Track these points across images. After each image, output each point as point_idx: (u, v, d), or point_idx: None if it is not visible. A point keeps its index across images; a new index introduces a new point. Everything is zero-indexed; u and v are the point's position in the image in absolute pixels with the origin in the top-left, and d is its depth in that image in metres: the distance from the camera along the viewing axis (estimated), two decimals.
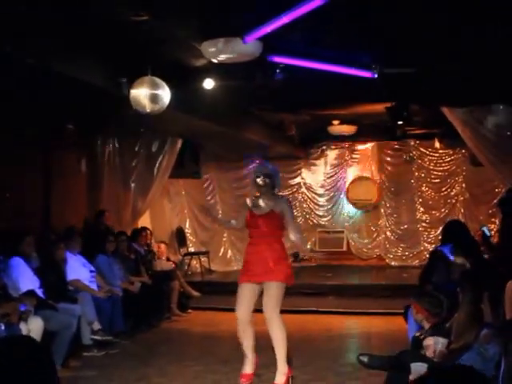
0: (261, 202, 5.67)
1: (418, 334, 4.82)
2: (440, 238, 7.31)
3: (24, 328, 5.49)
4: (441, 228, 12.99)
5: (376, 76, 7.02)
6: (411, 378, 3.63)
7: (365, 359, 4.98)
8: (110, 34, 5.77)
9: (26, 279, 6.25)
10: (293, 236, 5.70)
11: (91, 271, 7.60)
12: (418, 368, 3.62)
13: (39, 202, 8.65)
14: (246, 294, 5.56)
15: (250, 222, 5.68)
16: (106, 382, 5.89)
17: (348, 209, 14.73)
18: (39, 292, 6.32)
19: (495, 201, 9.05)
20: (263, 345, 5.51)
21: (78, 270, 7.37)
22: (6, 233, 6.87)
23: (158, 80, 6.50)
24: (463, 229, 6.65)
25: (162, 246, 10.46)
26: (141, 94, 6.43)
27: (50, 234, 7.58)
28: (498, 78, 7.34)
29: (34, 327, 5.63)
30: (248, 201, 5.78)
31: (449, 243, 6.20)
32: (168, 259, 10.36)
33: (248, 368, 5.60)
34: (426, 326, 4.86)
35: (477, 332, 3.82)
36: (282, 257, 5.60)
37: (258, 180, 5.65)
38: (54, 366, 2.48)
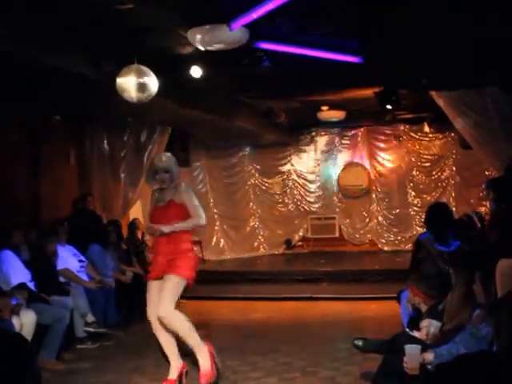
0: (165, 197, 5.35)
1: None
2: None
3: (16, 322, 5.46)
4: None
5: (363, 61, 6.99)
6: (405, 359, 3.63)
7: (359, 343, 5.01)
8: (95, 23, 5.71)
9: (16, 272, 6.22)
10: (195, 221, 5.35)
11: (81, 261, 7.57)
12: (411, 350, 3.62)
13: (28, 195, 8.60)
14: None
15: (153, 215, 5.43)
16: (101, 374, 5.89)
17: (339, 195, 14.72)
18: (31, 285, 6.29)
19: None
20: (258, 333, 5.53)
21: (67, 260, 7.34)
22: None
23: (145, 68, 6.44)
24: (440, 214, 6.07)
25: None
26: (128, 82, 6.38)
27: (39, 227, 7.53)
28: (485, 61, 7.32)
29: (26, 321, 5.61)
30: (157, 194, 5.46)
31: (427, 231, 6.11)
32: None
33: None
34: (424, 308, 4.86)
35: (470, 312, 3.82)
36: (183, 249, 5.30)
37: (158, 176, 5.31)
38: (33, 357, 2.46)
